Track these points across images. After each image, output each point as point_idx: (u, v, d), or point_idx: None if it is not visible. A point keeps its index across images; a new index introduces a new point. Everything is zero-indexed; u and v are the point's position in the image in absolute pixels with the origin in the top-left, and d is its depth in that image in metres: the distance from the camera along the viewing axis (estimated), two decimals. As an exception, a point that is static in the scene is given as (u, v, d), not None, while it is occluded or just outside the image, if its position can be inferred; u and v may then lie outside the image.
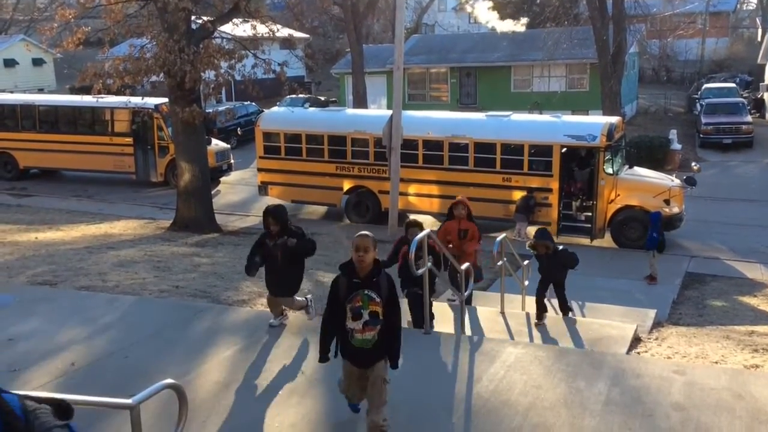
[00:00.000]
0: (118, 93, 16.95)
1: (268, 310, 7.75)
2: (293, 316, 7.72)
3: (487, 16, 19.53)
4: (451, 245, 9.32)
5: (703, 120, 28.89)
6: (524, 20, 21.09)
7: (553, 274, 9.45)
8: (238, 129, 30.09)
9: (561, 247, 9.56)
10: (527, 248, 9.32)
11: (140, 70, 15.58)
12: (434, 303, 8.90)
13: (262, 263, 7.25)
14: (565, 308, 9.61)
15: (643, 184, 16.53)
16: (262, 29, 16.98)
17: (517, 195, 16.54)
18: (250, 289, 10.10)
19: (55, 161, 23.76)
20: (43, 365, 6.65)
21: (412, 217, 9.22)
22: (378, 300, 4.89)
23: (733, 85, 36.77)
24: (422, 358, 6.89)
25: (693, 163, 18.50)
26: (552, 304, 9.64)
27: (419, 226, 7.83)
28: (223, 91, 34.19)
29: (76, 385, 6.11)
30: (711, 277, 14.02)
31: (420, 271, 7.14)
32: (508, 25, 20.17)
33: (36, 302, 8.57)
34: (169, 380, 4.24)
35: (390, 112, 16.79)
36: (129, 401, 3.91)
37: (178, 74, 14.96)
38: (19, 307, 8.34)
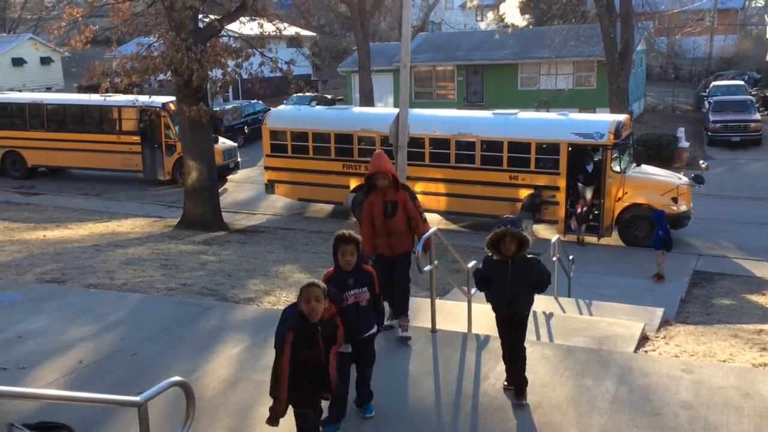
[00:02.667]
0: (125, 92, 16.99)
1: (275, 307, 7.68)
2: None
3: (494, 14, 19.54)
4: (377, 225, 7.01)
5: (711, 118, 28.76)
6: (527, 17, 20.96)
7: (515, 301, 5.64)
8: (245, 127, 30.15)
9: (532, 255, 5.75)
10: (485, 250, 5.66)
11: (147, 68, 15.62)
12: (440, 301, 8.89)
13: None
14: (522, 386, 5.83)
15: (651, 182, 16.46)
16: (269, 27, 17.00)
17: (524, 193, 16.52)
18: (257, 287, 10.13)
19: (63, 160, 23.85)
20: (52, 363, 6.68)
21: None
22: None
23: (742, 82, 36.59)
24: (429, 356, 6.89)
25: (701, 161, 18.46)
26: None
27: (354, 242, 5.41)
28: (230, 90, 34.20)
29: (84, 382, 6.14)
30: (719, 275, 13.96)
31: (426, 269, 7.13)
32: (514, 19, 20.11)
33: (44, 300, 8.61)
34: (177, 378, 4.26)
35: (396, 110, 16.78)
36: (137, 399, 3.93)
37: (185, 73, 15.00)
38: (27, 305, 8.38)
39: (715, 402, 5.81)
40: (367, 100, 32.77)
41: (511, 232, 5.52)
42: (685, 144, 25.53)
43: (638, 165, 17.35)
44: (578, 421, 5.53)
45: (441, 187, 17.46)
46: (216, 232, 16.05)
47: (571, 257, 12.53)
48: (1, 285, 9.40)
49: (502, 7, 21.14)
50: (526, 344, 5.87)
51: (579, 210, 16.14)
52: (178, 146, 20.59)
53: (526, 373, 5.85)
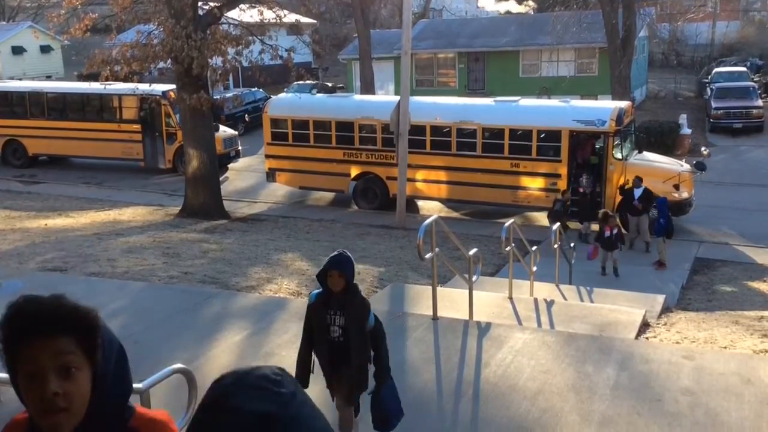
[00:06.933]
0: (125, 80, 16.92)
1: (277, 295, 7.71)
2: (298, 303, 7.71)
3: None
4: None
5: (714, 104, 28.64)
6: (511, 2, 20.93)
7: None
8: (246, 115, 30.06)
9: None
10: None
11: (148, 56, 15.57)
12: (441, 288, 8.90)
13: None
14: None
15: (653, 169, 16.42)
16: (269, 15, 16.93)
17: (525, 180, 16.52)
18: (258, 275, 10.14)
19: (64, 148, 23.82)
20: (54, 351, 6.69)
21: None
22: None
23: (744, 69, 36.39)
24: (430, 343, 6.90)
25: (703, 148, 18.38)
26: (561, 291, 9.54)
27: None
28: (231, 78, 34.10)
29: (87, 370, 6.15)
30: (720, 262, 13.97)
31: (428, 256, 7.14)
32: (512, 6, 20.05)
33: (46, 288, 8.53)
34: (179, 365, 4.26)
35: (398, 97, 16.74)
36: (139, 386, 3.93)
37: (185, 61, 14.95)
38: (29, 294, 8.39)
39: (716, 388, 5.82)
40: (368, 87, 32.66)
41: None
42: (687, 131, 25.45)
43: (640, 152, 17.32)
44: (579, 407, 5.55)
45: (442, 175, 17.45)
46: (217, 220, 16.05)
47: (572, 244, 12.55)
48: (3, 273, 9.41)
49: None
50: (527, 331, 5.88)
51: (608, 233, 12.80)
52: (179, 135, 20.54)
53: (527, 359, 5.86)
